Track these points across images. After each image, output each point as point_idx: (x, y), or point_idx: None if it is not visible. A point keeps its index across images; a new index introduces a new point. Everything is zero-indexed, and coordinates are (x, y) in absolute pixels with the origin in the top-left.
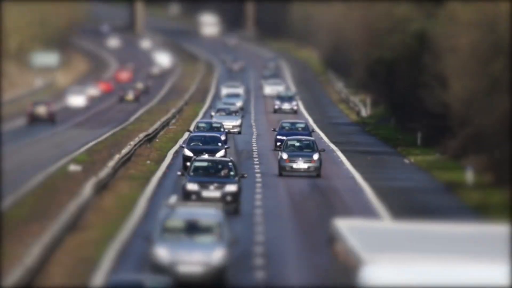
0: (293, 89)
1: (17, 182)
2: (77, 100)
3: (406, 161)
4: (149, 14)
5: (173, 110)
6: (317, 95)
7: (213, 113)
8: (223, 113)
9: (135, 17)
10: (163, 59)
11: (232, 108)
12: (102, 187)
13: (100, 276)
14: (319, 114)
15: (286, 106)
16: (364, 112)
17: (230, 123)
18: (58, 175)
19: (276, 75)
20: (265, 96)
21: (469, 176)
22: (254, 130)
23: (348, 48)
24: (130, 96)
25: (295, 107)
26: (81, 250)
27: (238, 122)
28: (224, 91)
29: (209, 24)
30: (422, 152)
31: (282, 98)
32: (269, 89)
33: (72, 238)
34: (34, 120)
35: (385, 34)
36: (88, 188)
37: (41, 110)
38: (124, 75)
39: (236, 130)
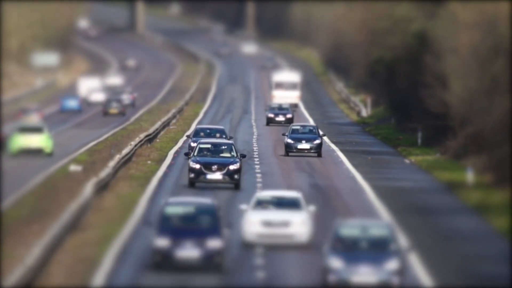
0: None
1: (18, 182)
2: None
3: (407, 161)
4: (148, 14)
5: (173, 110)
6: (317, 95)
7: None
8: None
9: (136, 17)
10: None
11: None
12: (102, 187)
13: (100, 276)
14: (319, 114)
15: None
16: (365, 112)
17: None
18: (58, 175)
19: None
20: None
21: (469, 176)
22: (255, 130)
23: (349, 48)
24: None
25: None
26: (82, 250)
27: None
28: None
29: (288, 86)
30: (423, 152)
31: None
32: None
33: (72, 238)
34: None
35: (385, 34)
36: (88, 188)
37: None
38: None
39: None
